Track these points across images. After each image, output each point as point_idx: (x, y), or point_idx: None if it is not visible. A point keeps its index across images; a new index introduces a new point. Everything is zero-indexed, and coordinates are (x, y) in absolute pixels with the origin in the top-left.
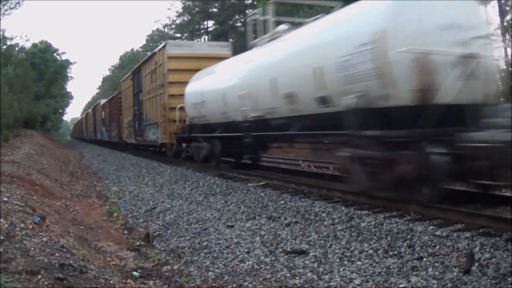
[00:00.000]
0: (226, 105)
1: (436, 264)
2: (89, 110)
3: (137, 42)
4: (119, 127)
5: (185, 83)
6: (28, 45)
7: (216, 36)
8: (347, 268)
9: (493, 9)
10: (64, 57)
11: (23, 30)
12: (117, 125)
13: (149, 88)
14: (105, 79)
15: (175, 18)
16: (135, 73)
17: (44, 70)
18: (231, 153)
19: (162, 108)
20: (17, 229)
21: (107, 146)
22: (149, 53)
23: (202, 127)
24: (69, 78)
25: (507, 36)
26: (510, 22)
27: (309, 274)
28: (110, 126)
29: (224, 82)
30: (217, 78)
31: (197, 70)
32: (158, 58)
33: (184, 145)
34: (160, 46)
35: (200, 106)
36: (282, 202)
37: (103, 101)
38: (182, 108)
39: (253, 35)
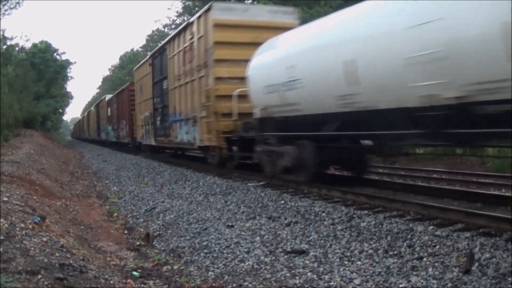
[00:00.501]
0: (354, 82)
1: (436, 264)
2: (92, 108)
3: (137, 42)
4: (131, 126)
5: (239, 61)
6: (28, 45)
7: None
8: (347, 268)
9: None
10: (64, 57)
11: (23, 30)
12: (127, 123)
13: (179, 72)
14: (105, 79)
15: (175, 18)
16: (156, 55)
17: (44, 70)
18: (338, 162)
19: (204, 97)
20: (17, 229)
21: (113, 148)
22: (181, 25)
23: (281, 123)
24: (69, 78)
25: None
26: None
27: (309, 274)
28: (119, 125)
29: (352, 41)
30: (329, 37)
31: (254, 44)
32: (198, 28)
33: (234, 148)
34: (202, 11)
35: (285, 88)
36: (282, 202)
37: (108, 97)
38: (242, 97)
39: None
